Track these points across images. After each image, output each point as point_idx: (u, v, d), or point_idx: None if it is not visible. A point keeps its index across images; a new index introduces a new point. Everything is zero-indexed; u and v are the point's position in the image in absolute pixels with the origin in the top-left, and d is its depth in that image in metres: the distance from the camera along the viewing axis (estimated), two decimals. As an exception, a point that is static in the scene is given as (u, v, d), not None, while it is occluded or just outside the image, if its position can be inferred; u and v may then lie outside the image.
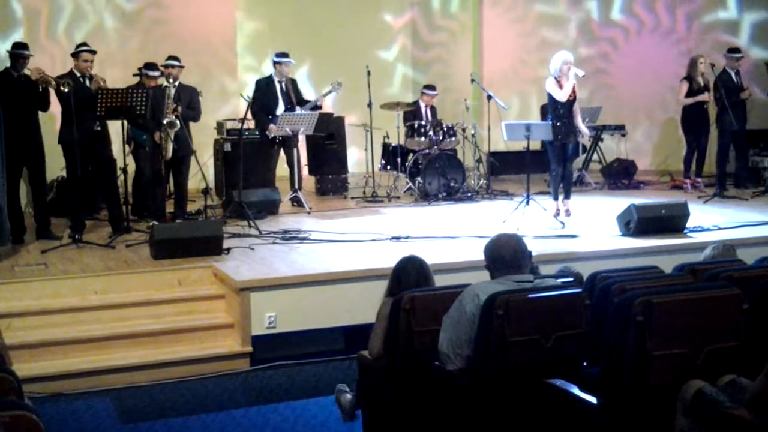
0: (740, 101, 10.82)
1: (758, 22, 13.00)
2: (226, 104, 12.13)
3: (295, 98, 10.05)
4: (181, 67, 8.98)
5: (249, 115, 9.78)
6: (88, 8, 11.56)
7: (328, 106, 12.87)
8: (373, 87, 10.86)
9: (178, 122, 8.58)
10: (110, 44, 11.42)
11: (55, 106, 8.16)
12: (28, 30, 10.45)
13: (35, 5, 10.88)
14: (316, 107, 10.04)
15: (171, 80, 8.74)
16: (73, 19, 11.39)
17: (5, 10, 10.10)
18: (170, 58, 8.98)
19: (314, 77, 13.57)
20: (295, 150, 10.05)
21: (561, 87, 8.62)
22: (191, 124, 9.09)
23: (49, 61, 10.19)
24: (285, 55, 10.03)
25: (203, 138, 11.05)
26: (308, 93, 11.49)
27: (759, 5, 12.94)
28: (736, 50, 11.18)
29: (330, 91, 10.15)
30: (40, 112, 8.09)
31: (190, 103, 8.87)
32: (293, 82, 10.26)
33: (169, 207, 9.14)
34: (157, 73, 9.06)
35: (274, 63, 10.03)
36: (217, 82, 12.09)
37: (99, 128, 8.16)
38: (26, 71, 7.88)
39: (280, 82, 10.00)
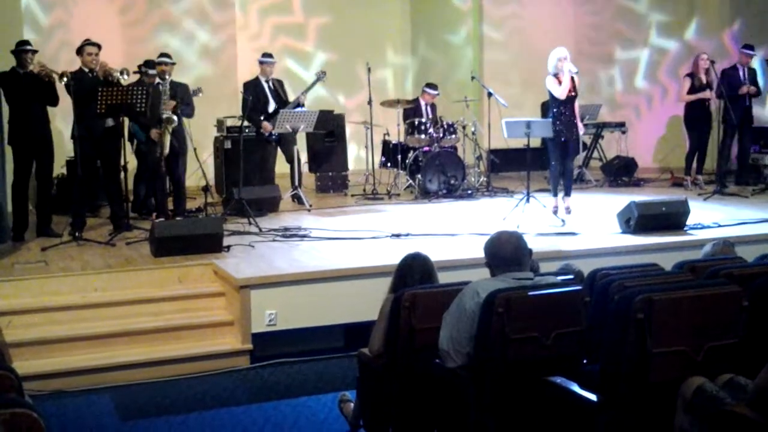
0: (744, 98, 10.83)
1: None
2: (226, 103, 12.14)
3: (284, 97, 10.17)
4: (173, 63, 8.99)
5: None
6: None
7: (331, 103, 12.91)
8: (372, 84, 10.87)
9: (176, 118, 8.59)
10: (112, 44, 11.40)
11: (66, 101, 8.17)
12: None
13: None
14: (299, 105, 10.09)
15: (167, 77, 8.74)
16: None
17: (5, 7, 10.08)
18: (162, 55, 8.98)
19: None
20: (294, 148, 10.07)
21: (560, 83, 8.64)
22: (191, 122, 9.09)
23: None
24: (269, 55, 10.22)
25: (203, 135, 11.05)
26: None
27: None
28: (751, 47, 11.20)
29: (315, 82, 10.22)
30: (49, 108, 8.12)
31: (183, 99, 8.88)
32: (280, 82, 10.37)
33: (168, 204, 9.14)
34: (155, 71, 9.07)
35: (260, 63, 10.17)
36: (217, 81, 12.10)
37: (113, 124, 8.15)
38: (31, 67, 7.90)
39: (267, 82, 10.12)
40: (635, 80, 13.58)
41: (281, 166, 10.32)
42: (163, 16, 12.06)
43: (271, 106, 10.00)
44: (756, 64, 11.69)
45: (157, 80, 8.74)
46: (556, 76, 8.66)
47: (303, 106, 10.18)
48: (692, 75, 10.98)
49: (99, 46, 8.26)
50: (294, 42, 13.85)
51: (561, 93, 8.64)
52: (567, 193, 9.05)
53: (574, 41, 13.20)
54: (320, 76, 10.17)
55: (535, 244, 5.99)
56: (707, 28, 12.91)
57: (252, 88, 10.02)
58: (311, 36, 14.03)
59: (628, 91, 13.61)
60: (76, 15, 11.46)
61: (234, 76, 12.18)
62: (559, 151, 8.92)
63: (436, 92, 11.44)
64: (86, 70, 8.12)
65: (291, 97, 10.29)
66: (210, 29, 12.29)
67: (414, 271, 4.58)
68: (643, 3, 13.33)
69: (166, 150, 8.65)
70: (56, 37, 11.04)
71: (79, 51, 8.23)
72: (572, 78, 8.66)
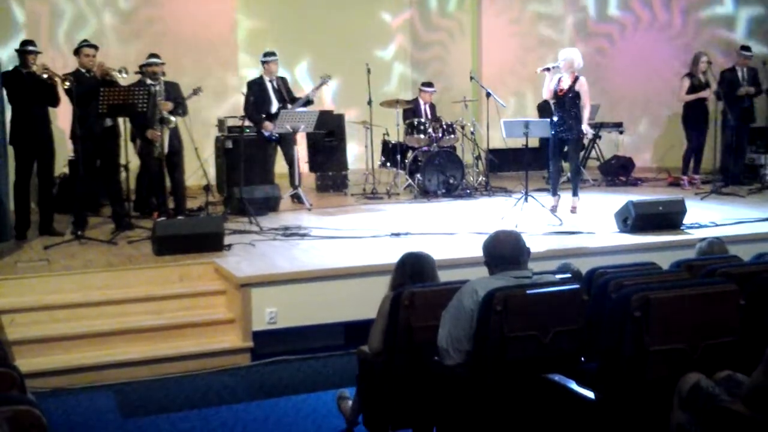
0: (742, 99, 10.88)
1: (754, 16, 13.06)
2: (227, 102, 12.17)
3: (287, 96, 10.15)
4: (163, 63, 9.02)
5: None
6: (87, 10, 11.60)
7: (329, 103, 12.94)
8: (371, 85, 10.91)
9: (173, 119, 8.62)
10: (110, 45, 11.42)
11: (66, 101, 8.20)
12: (30, 36, 10.44)
13: (36, 10, 10.88)
14: (309, 102, 10.11)
15: (159, 77, 8.76)
16: (74, 24, 11.43)
17: (6, 16, 10.10)
18: (151, 56, 9.01)
19: (314, 74, 13.59)
20: (294, 148, 10.09)
21: (557, 82, 8.74)
22: (188, 121, 9.11)
23: (51, 64, 10.19)
24: (272, 53, 10.21)
25: (204, 135, 11.08)
26: (306, 90, 11.52)
27: (755, 0, 12.98)
28: (748, 48, 11.25)
29: (320, 85, 10.26)
30: (50, 108, 8.17)
31: (176, 98, 8.91)
32: (284, 80, 10.36)
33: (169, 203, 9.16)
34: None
35: (262, 63, 10.18)
36: (216, 79, 12.12)
37: (111, 124, 8.18)
38: (34, 68, 7.93)
39: (270, 81, 10.13)
40: (608, 9, 13.69)
41: (281, 166, 10.34)
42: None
43: (274, 106, 10.01)
44: None
45: (149, 81, 8.76)
46: (548, 70, 8.77)
47: (312, 102, 10.21)
48: (691, 75, 11.02)
49: (96, 48, 8.29)
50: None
51: (544, 92, 8.81)
52: (574, 193, 9.10)
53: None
54: (325, 80, 10.21)
55: (534, 243, 6.02)
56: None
57: (256, 87, 10.04)
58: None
59: (601, 19, 13.70)
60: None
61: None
62: (555, 149, 8.98)
63: (432, 89, 11.49)
64: (83, 70, 8.15)
65: (296, 94, 10.30)
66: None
67: (414, 270, 4.61)
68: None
69: (165, 150, 8.67)
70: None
71: (77, 52, 8.27)
72: (576, 78, 8.71)
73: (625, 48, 13.62)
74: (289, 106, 10.03)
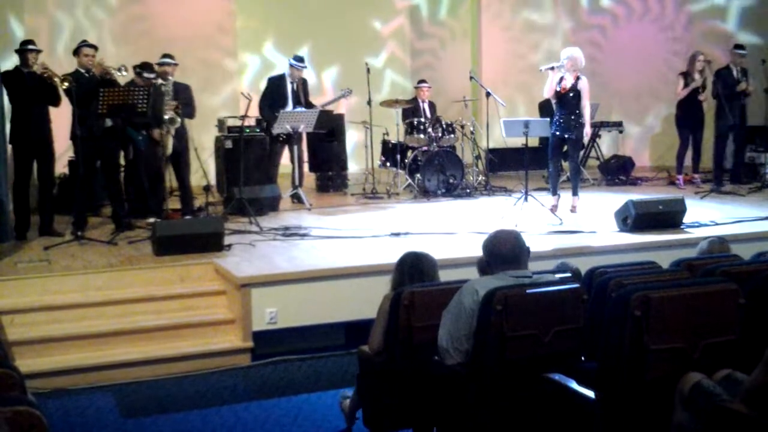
0: (738, 97, 10.88)
1: (746, 7, 13.09)
2: (227, 101, 12.19)
3: (303, 100, 10.19)
4: (176, 64, 9.02)
5: (249, 113, 9.82)
6: (87, 24, 11.62)
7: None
8: (364, 91, 10.94)
9: (178, 119, 8.63)
10: (106, 45, 11.42)
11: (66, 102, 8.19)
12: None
13: (35, 25, 10.86)
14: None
15: (169, 78, 8.78)
16: (73, 38, 11.35)
17: (5, 30, 10.08)
18: (165, 56, 9.01)
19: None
20: (296, 147, 10.10)
21: (559, 81, 8.74)
22: (190, 122, 9.13)
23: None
24: (301, 60, 10.30)
25: (204, 135, 11.09)
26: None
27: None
28: (741, 47, 11.25)
29: (340, 97, 10.29)
30: (51, 108, 8.16)
31: (185, 99, 8.91)
32: (304, 82, 10.39)
33: (173, 204, 9.16)
34: (152, 75, 9.06)
35: (290, 65, 10.21)
36: (216, 79, 12.13)
37: (111, 124, 8.19)
38: (34, 67, 7.93)
39: (292, 83, 10.16)
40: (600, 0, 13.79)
41: (283, 165, 10.34)
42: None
43: (289, 107, 10.03)
44: None
45: (160, 81, 8.77)
46: (552, 69, 8.79)
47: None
48: (686, 74, 11.03)
49: (96, 48, 8.29)
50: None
51: (546, 90, 8.84)
52: (574, 192, 9.10)
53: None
54: (346, 93, 10.24)
55: (533, 242, 6.03)
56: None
57: (276, 83, 10.05)
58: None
59: (594, 11, 13.72)
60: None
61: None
62: (555, 149, 8.99)
63: (428, 85, 11.59)
64: (83, 70, 8.15)
65: (312, 99, 10.34)
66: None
67: (415, 269, 4.62)
68: None
69: (169, 150, 8.68)
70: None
71: (76, 52, 8.27)
72: (578, 78, 8.72)
73: (618, 39, 13.66)
74: (299, 108, 10.07)
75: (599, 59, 13.42)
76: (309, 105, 10.21)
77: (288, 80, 10.13)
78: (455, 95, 12.32)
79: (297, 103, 10.11)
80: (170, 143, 8.66)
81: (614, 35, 13.74)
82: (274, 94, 9.93)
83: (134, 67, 9.49)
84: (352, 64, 12.20)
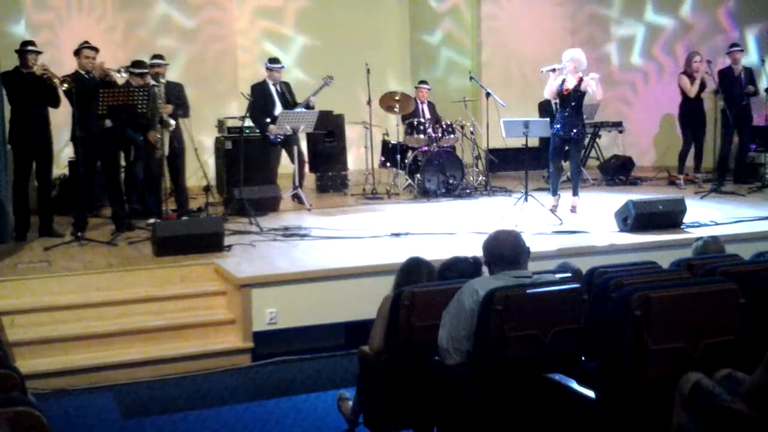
0: (743, 97, 10.88)
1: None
2: (226, 101, 12.18)
3: (291, 99, 10.21)
4: (167, 64, 9.00)
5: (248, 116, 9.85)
6: (89, 36, 11.55)
7: (329, 104, 12.92)
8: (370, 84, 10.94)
9: (173, 121, 8.63)
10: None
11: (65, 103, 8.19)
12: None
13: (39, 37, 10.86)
14: (309, 106, 10.11)
15: (161, 79, 8.76)
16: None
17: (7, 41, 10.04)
18: (155, 56, 8.99)
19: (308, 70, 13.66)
20: (295, 148, 10.10)
21: (561, 82, 8.75)
22: (189, 122, 9.13)
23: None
24: (276, 61, 10.29)
25: (204, 136, 11.09)
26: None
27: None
28: (735, 45, 11.25)
29: (322, 87, 10.24)
30: (50, 109, 8.17)
31: (177, 99, 8.91)
32: (287, 85, 10.38)
33: (171, 205, 9.15)
34: (145, 71, 9.05)
35: (267, 68, 10.19)
36: (216, 78, 12.13)
37: (111, 125, 8.19)
38: (34, 68, 7.94)
39: (274, 85, 10.17)
40: (631, 57, 13.71)
41: (282, 166, 10.33)
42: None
43: (278, 109, 10.03)
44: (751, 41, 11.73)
45: (152, 82, 8.75)
46: (554, 71, 8.79)
47: (313, 107, 10.21)
48: (686, 73, 11.05)
49: (96, 50, 8.29)
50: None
51: (546, 91, 8.87)
52: (574, 192, 9.10)
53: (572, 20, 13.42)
54: (327, 82, 10.21)
55: (534, 242, 6.03)
56: (702, 4, 13.03)
57: (260, 91, 10.05)
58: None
59: (624, 68, 13.71)
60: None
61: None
62: (557, 150, 8.99)
63: (427, 86, 11.59)
64: (83, 72, 8.15)
65: (298, 99, 10.30)
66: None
67: (420, 276, 4.62)
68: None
69: (166, 151, 8.68)
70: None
71: (77, 53, 8.25)
72: (580, 78, 8.72)
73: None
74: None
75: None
76: (297, 105, 10.17)
77: (270, 83, 10.15)
78: (462, 90, 12.28)
79: (285, 103, 10.12)
80: (166, 144, 8.64)
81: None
82: (261, 100, 9.94)
83: (126, 68, 9.47)
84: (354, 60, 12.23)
